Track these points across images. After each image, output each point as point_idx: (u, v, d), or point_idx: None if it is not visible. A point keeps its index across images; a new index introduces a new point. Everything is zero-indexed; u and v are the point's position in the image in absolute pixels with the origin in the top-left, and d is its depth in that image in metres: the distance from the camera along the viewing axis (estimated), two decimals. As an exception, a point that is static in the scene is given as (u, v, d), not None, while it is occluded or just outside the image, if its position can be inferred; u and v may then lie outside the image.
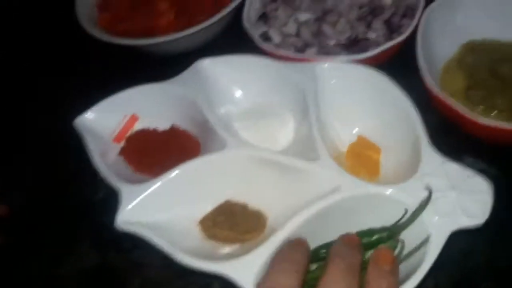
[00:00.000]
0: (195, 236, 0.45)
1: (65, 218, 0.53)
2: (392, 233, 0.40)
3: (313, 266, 0.40)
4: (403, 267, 0.39)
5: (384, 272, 0.35)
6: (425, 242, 0.39)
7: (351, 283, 0.34)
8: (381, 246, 0.39)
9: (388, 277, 0.35)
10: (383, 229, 0.40)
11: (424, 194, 0.41)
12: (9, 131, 0.61)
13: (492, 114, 0.50)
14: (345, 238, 0.39)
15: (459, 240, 0.40)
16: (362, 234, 0.40)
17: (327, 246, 0.40)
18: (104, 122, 0.50)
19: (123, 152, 0.50)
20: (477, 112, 0.49)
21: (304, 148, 0.47)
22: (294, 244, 0.38)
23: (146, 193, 0.44)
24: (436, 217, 0.40)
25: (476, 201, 0.40)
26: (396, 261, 0.37)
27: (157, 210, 0.44)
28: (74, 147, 0.49)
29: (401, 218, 0.40)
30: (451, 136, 0.49)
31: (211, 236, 0.45)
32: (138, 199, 0.43)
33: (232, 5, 0.60)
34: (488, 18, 0.55)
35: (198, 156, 0.48)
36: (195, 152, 0.50)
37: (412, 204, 0.41)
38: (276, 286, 0.33)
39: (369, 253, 0.39)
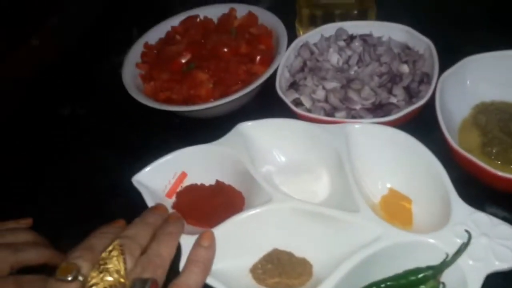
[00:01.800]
0: (248, 283, 0.48)
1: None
2: (436, 271, 0.43)
3: None
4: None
5: (203, 247, 0.45)
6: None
7: None
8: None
9: (207, 250, 0.45)
10: (428, 268, 0.44)
11: (457, 241, 0.45)
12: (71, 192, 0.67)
13: (509, 168, 0.55)
14: None
15: (493, 283, 0.44)
16: (410, 272, 0.44)
17: (377, 284, 0.44)
18: (158, 179, 0.55)
19: (175, 206, 0.54)
20: (494, 166, 0.54)
21: (342, 200, 0.51)
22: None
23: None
24: (471, 261, 0.44)
25: (505, 246, 0.44)
26: (214, 239, 0.47)
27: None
28: (130, 203, 0.53)
29: (445, 260, 0.44)
30: (471, 187, 0.53)
31: (262, 283, 0.48)
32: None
33: (265, 76, 0.66)
34: (494, 83, 0.62)
35: (243, 208, 0.53)
36: (240, 205, 0.54)
37: (448, 249, 0.45)
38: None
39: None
